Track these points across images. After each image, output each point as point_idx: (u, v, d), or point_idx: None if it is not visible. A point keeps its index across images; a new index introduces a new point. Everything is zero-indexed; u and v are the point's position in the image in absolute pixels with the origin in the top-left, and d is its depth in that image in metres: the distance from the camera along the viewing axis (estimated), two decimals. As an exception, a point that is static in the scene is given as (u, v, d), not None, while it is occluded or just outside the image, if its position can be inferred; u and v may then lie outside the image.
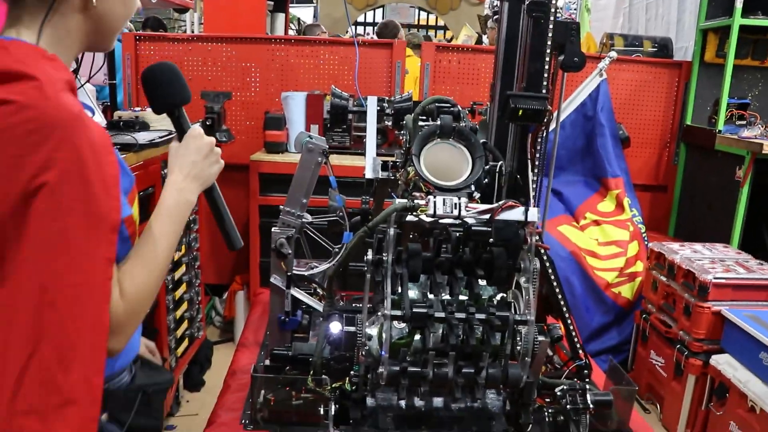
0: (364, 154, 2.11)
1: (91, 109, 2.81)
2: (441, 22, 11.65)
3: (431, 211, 1.37)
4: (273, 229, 1.74)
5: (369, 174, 2.04)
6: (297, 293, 1.77)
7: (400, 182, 1.81)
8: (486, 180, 1.70)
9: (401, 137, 1.91)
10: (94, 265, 0.97)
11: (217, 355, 3.46)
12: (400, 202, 1.40)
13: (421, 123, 1.81)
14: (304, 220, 1.81)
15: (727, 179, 3.70)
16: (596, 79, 3.90)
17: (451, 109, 1.80)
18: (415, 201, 1.40)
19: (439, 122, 1.64)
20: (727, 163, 3.71)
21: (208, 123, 3.21)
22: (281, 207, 1.81)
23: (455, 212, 1.37)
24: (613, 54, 3.83)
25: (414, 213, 1.39)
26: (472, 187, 1.56)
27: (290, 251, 1.75)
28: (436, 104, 1.82)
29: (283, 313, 1.72)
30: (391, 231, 1.38)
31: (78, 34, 1.11)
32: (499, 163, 1.71)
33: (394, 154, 1.99)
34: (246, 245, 2.94)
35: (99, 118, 2.89)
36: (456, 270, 1.43)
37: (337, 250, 1.91)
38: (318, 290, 1.90)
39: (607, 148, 3.85)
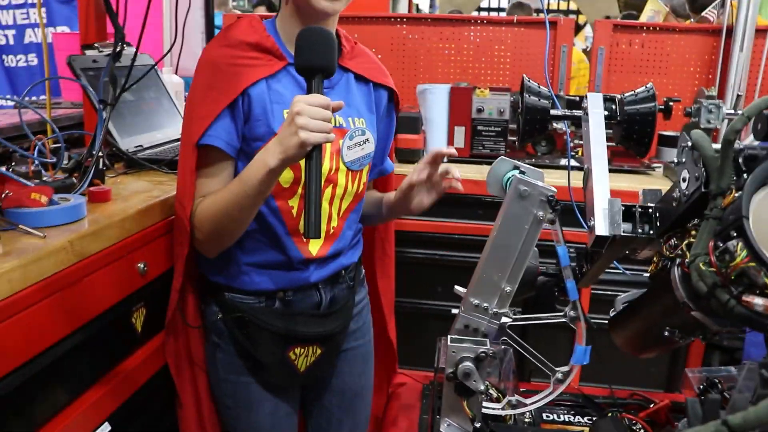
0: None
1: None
2: (573, 5, 10.56)
3: None
4: (449, 341, 0.94)
5: (603, 228, 1.20)
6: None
7: (695, 263, 0.95)
8: None
9: (681, 166, 1.07)
10: (183, 170, 1.37)
11: None
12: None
13: (741, 148, 0.96)
14: (506, 320, 1.00)
15: None
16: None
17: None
18: None
19: None
20: None
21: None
22: (461, 293, 1.01)
23: None
24: None
25: None
26: None
27: (482, 386, 0.94)
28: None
29: None
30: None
31: None
32: None
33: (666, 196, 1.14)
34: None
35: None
36: None
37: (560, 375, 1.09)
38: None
39: None
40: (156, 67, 2.15)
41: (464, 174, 2.59)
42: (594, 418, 1.58)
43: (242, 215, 1.32)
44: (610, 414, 1.33)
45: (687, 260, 0.98)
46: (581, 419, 1.58)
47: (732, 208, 0.90)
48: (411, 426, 1.53)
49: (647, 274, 1.38)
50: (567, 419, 1.58)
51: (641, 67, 3.14)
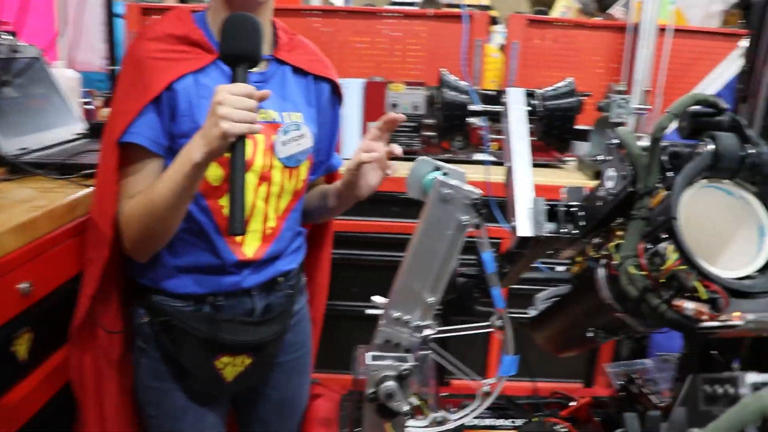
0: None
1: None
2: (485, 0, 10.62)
3: None
4: (368, 359, 0.88)
5: (527, 229, 1.15)
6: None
7: (624, 266, 0.91)
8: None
9: (607, 164, 1.03)
10: (103, 170, 1.31)
11: None
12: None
13: (665, 146, 0.94)
14: (428, 332, 0.93)
15: None
16: (737, 63, 2.96)
17: (726, 120, 0.92)
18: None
19: (711, 147, 0.77)
20: None
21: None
22: (378, 305, 0.94)
23: None
24: (766, 29, 2.88)
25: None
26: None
27: (407, 407, 0.87)
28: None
29: None
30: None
31: None
32: None
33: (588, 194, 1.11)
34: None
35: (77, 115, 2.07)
36: None
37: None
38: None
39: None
40: (45, 60, 1.96)
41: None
42: (515, 421, 1.55)
43: (170, 215, 1.26)
44: (535, 418, 1.29)
45: (615, 262, 0.94)
46: (504, 422, 1.54)
47: (661, 209, 0.87)
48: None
49: (562, 268, 1.36)
50: (490, 423, 1.54)
51: (554, 62, 3.16)
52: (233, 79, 1.16)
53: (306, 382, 1.68)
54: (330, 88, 1.54)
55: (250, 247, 1.40)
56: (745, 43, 2.88)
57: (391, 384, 0.90)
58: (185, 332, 1.39)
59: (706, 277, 0.80)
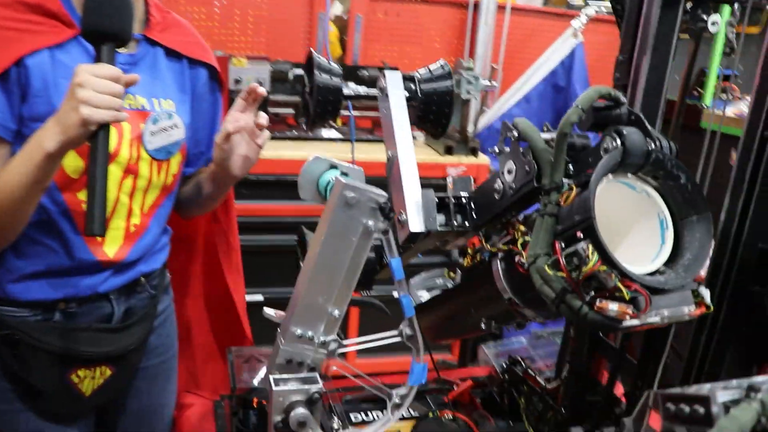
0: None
1: None
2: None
3: None
4: (271, 384, 0.78)
5: (418, 224, 1.09)
6: None
7: (537, 265, 0.88)
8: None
9: (505, 157, 1.00)
10: None
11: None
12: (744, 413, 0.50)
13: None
14: (334, 347, 0.86)
15: (719, 163, 3.11)
16: (569, 42, 3.13)
17: (624, 113, 0.93)
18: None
19: (617, 142, 0.82)
20: (719, 145, 3.11)
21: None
22: (273, 317, 0.85)
23: None
24: (591, 11, 3.07)
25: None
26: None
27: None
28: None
29: None
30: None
31: None
32: None
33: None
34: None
35: None
36: None
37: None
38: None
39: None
40: None
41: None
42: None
43: (16, 209, 1.11)
44: (430, 414, 1.26)
45: (524, 260, 0.91)
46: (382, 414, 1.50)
47: (577, 207, 0.84)
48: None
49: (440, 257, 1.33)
50: (376, 416, 1.50)
51: (397, 36, 3.15)
52: (97, 59, 1.03)
53: (172, 388, 1.56)
54: (208, 73, 1.41)
55: (111, 246, 1.26)
56: (577, 22, 3.04)
57: (301, 411, 0.80)
58: (32, 347, 1.23)
59: (626, 276, 0.79)
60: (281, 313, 0.93)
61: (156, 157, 1.26)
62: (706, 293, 0.85)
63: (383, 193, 0.88)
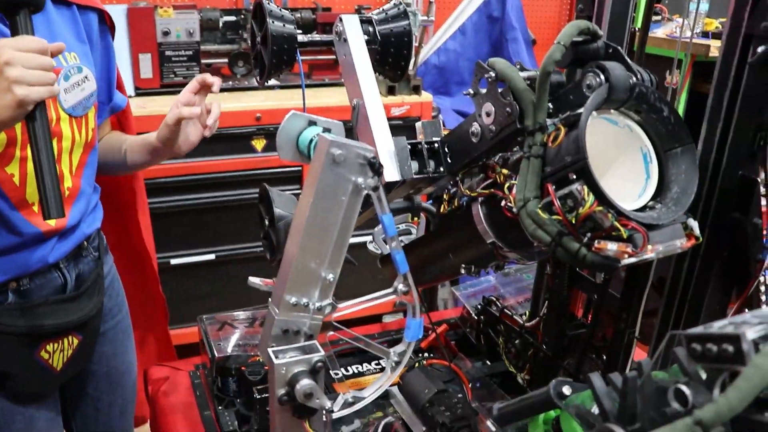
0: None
1: None
2: None
3: None
4: (271, 357, 0.76)
5: (394, 173, 1.06)
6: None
7: (528, 208, 0.87)
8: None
9: (481, 98, 0.97)
10: None
11: None
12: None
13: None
14: (330, 311, 0.83)
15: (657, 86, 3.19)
16: (501, -30, 3.09)
17: (602, 47, 0.91)
18: None
19: (601, 78, 0.84)
20: (653, 68, 3.18)
21: None
22: (260, 287, 0.82)
23: None
24: (521, -64, 3.03)
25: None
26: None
27: (328, 402, 0.78)
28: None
29: None
30: None
31: None
32: None
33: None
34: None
35: None
36: None
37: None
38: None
39: (521, 56, 3.13)
40: None
41: (158, 108, 2.31)
42: (379, 362, 1.52)
43: None
44: (416, 365, 1.26)
45: (513, 204, 0.89)
46: (369, 366, 1.50)
47: (567, 148, 0.83)
48: (196, 431, 1.29)
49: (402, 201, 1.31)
50: (356, 370, 1.49)
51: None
52: (13, 31, 0.97)
53: (132, 343, 1.55)
54: (97, 17, 1.33)
55: None
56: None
57: (307, 382, 0.78)
58: None
59: (622, 215, 0.79)
60: (269, 281, 0.89)
61: (74, 114, 1.20)
62: (695, 225, 0.86)
63: (370, 147, 0.84)
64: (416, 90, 2.72)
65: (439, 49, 3.25)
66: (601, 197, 0.79)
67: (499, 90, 0.93)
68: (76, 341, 1.29)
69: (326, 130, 0.90)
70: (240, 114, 2.50)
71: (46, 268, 1.24)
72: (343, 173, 0.81)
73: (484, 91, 0.97)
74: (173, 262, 2.57)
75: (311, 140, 0.88)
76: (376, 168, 0.82)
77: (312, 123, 0.89)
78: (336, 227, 0.83)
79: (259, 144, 2.57)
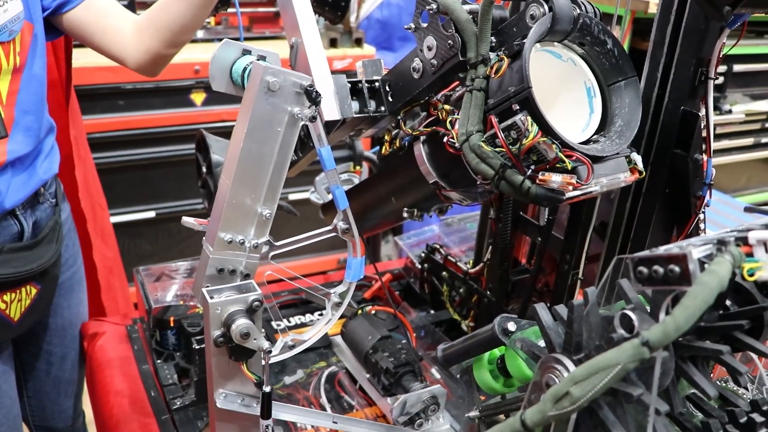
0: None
1: None
2: None
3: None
4: (206, 297, 0.73)
5: (333, 112, 1.02)
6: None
7: (472, 142, 0.85)
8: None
9: (422, 32, 0.94)
10: None
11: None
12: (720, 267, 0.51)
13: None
14: (266, 249, 0.80)
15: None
16: None
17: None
18: (731, 247, 0.53)
19: (545, 8, 0.81)
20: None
21: None
22: (193, 225, 0.78)
23: None
24: None
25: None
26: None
27: (266, 343, 0.75)
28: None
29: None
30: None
31: None
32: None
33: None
34: None
35: None
36: None
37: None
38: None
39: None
40: None
41: (89, 61, 2.20)
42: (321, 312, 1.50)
43: None
44: (359, 311, 1.24)
45: (456, 139, 0.87)
46: (312, 317, 1.48)
47: (510, 79, 0.80)
48: (134, 385, 1.24)
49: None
50: (299, 321, 1.47)
51: None
52: None
53: (84, 298, 1.52)
54: None
55: None
56: None
57: (244, 322, 0.74)
58: None
59: (567, 146, 0.78)
60: (202, 221, 0.85)
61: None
62: (638, 159, 0.85)
63: (307, 75, 0.80)
64: (358, 43, 2.66)
65: (383, 3, 3.18)
66: (545, 127, 0.78)
67: (441, 23, 0.90)
68: (34, 291, 1.25)
69: (261, 57, 0.85)
70: (178, 66, 2.40)
71: (2, 216, 1.20)
72: (279, 102, 0.77)
73: (425, 25, 0.93)
74: (113, 220, 2.48)
75: (245, 68, 0.83)
76: (313, 97, 0.78)
77: (246, 52, 0.84)
78: (272, 160, 0.78)
79: (198, 98, 2.48)
